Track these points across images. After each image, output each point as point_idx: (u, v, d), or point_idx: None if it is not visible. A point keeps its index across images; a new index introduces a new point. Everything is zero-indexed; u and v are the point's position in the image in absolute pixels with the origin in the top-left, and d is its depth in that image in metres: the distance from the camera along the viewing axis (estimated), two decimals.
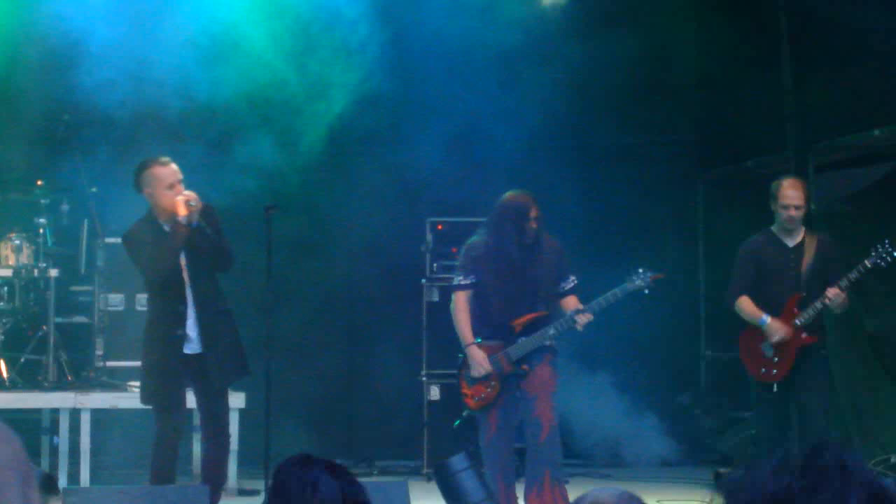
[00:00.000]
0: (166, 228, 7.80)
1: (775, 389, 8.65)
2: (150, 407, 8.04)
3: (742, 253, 8.92)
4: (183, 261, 7.81)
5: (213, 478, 7.97)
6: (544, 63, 11.69)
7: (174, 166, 7.79)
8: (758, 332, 8.74)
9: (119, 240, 8.43)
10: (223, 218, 8.22)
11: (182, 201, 7.59)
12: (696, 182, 12.89)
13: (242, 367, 8.12)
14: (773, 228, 8.88)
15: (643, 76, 12.19)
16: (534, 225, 8.39)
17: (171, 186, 7.68)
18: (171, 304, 7.82)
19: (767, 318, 8.63)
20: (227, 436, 8.13)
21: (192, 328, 7.84)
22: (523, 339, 8.37)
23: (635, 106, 12.17)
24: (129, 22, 10.48)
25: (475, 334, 8.48)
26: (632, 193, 12.36)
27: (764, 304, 8.75)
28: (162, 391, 7.88)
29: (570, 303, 8.43)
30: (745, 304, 8.76)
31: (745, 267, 8.84)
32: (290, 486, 2.15)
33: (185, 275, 7.83)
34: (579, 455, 11.36)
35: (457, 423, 8.78)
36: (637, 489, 3.11)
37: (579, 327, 8.33)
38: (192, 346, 7.86)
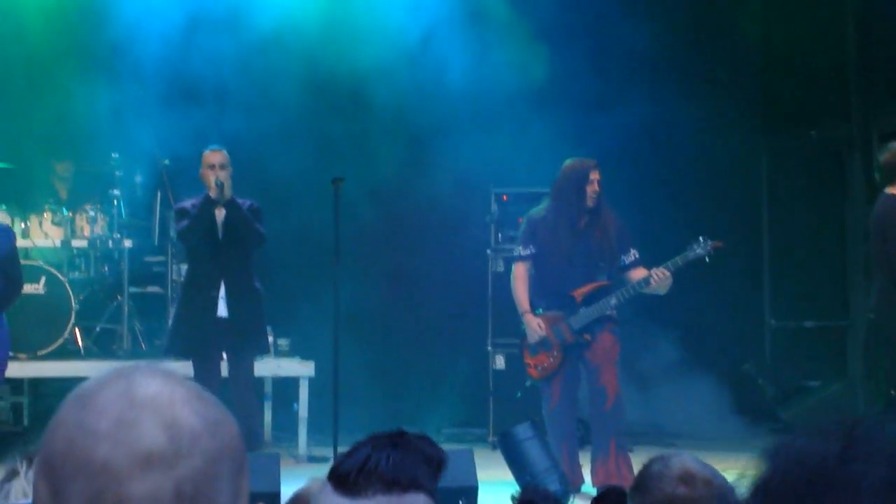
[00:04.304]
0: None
1: None
2: (176, 358, 8.96)
3: (881, 222, 8.16)
4: (220, 234, 8.69)
5: (245, 435, 8.35)
6: (610, 33, 11.72)
7: (220, 154, 8.74)
8: None
9: None
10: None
11: (213, 180, 8.58)
12: (761, 150, 12.87)
13: (259, 344, 9.04)
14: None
15: (708, 44, 12.18)
16: (595, 188, 8.47)
17: (211, 167, 8.67)
18: (207, 270, 8.75)
19: None
20: (251, 399, 8.93)
21: (223, 294, 8.69)
22: (584, 308, 8.47)
23: (700, 74, 12.15)
24: (210, 4, 10.76)
25: (537, 305, 8.59)
26: (696, 161, 12.35)
27: None
28: (192, 340, 8.75)
29: (638, 274, 8.50)
30: None
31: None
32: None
33: (220, 248, 8.71)
34: (643, 424, 11.43)
35: (518, 394, 8.89)
36: (701, 457, 3.19)
37: (656, 284, 8.37)
38: (222, 311, 8.69)
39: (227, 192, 8.60)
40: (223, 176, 8.60)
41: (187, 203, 8.79)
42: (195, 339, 8.72)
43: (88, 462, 1.36)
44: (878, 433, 1.40)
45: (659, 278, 8.35)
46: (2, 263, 8.09)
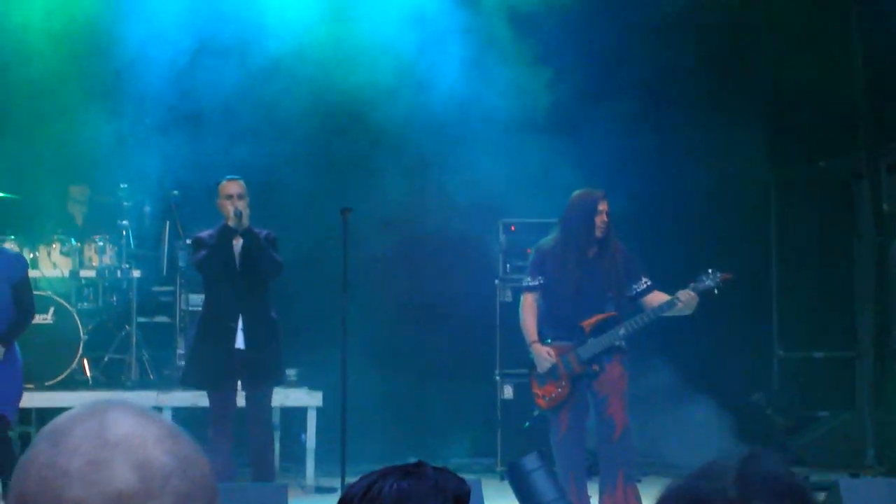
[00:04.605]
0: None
1: None
2: (192, 388, 9.09)
3: None
4: (237, 264, 8.59)
5: (258, 466, 8.55)
6: (619, 62, 11.75)
7: (237, 184, 8.65)
8: None
9: None
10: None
11: (231, 210, 8.52)
12: (769, 181, 12.88)
13: (276, 375, 8.90)
14: None
15: (717, 74, 12.20)
16: (604, 219, 8.47)
17: (229, 197, 8.59)
18: (225, 301, 8.64)
19: None
20: (266, 431, 8.78)
21: (241, 326, 8.59)
22: (593, 339, 8.46)
23: (708, 104, 12.17)
24: (215, 31, 10.78)
25: (545, 336, 8.58)
26: (705, 192, 12.35)
27: None
28: (208, 371, 8.63)
29: (655, 299, 8.47)
30: None
31: None
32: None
33: (238, 278, 8.60)
34: (651, 454, 11.40)
35: (526, 424, 8.88)
36: None
37: (682, 305, 8.33)
38: (240, 342, 8.58)
39: (245, 222, 8.54)
40: (241, 205, 8.54)
41: (204, 234, 8.72)
42: (211, 370, 8.62)
43: (61, 502, 1.38)
44: (761, 467, 1.44)
45: (686, 299, 8.32)
46: (14, 291, 8.16)
